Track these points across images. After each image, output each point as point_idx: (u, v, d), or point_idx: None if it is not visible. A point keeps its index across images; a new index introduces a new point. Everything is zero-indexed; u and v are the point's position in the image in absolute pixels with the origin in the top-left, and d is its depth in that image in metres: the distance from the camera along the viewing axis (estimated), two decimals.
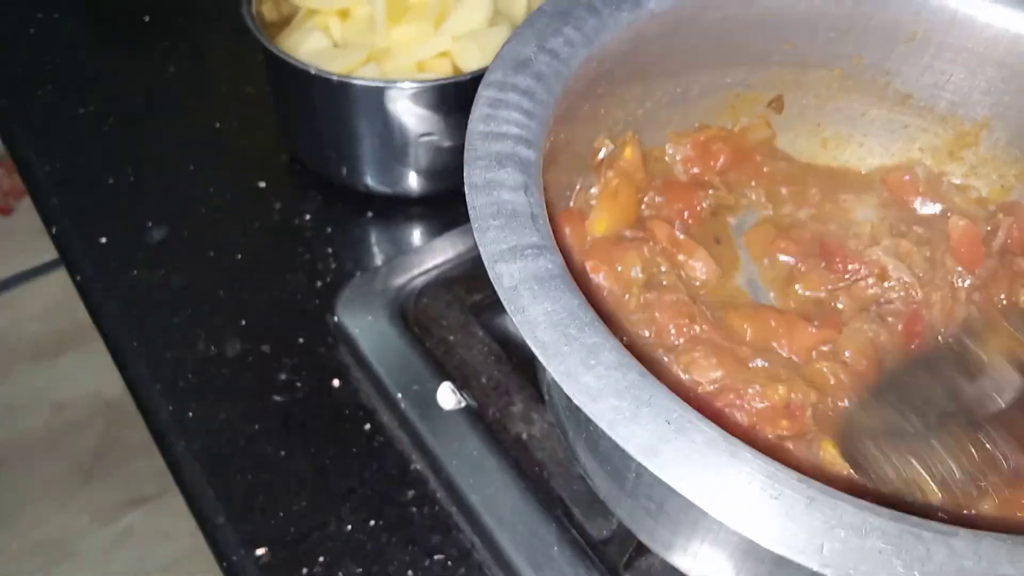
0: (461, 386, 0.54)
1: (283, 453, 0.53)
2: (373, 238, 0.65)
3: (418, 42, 0.63)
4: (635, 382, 0.28)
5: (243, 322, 0.60)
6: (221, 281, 0.63)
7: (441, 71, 0.63)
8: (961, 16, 0.49)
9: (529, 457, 0.51)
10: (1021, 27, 0.48)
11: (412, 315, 0.58)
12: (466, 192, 0.34)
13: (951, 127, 0.53)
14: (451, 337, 0.56)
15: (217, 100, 0.76)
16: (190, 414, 0.55)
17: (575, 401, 0.28)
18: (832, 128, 0.55)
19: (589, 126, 0.48)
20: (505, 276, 0.31)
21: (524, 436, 0.52)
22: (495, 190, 0.35)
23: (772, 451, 0.30)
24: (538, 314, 0.30)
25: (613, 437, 0.27)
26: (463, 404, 0.53)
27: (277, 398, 0.56)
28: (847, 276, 0.49)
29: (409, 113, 0.60)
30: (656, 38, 0.47)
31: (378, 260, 0.64)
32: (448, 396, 0.53)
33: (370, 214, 0.66)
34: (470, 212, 0.34)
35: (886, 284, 0.48)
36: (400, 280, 0.59)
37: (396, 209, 0.67)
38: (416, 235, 0.66)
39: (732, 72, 0.52)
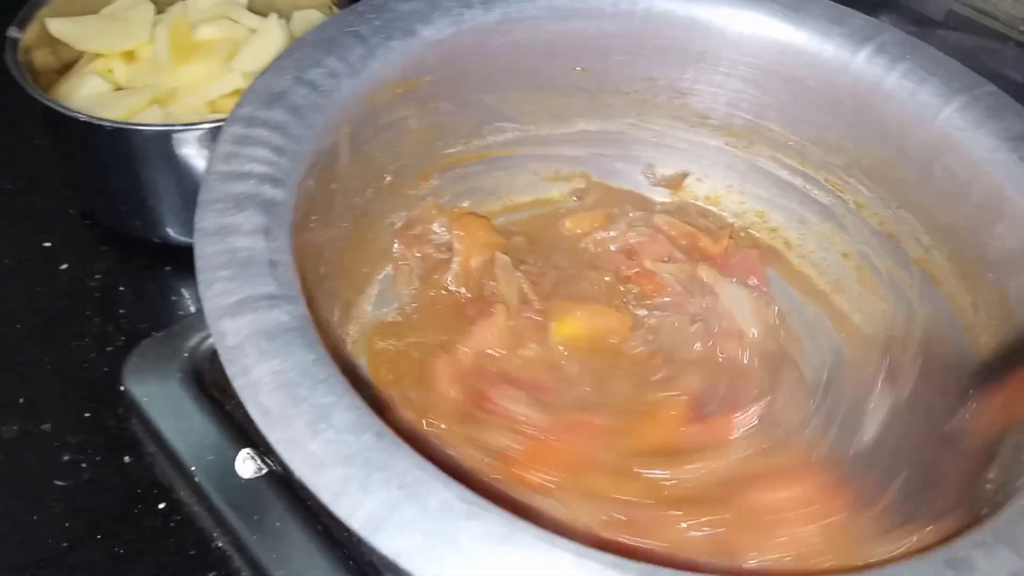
0: (264, 451, 0.49)
1: (65, 544, 0.47)
2: (172, 295, 0.60)
3: (208, 81, 0.59)
4: (369, 444, 0.25)
5: (21, 400, 0.54)
6: None
7: None
8: (746, 35, 0.49)
9: (338, 521, 0.47)
10: (804, 42, 0.49)
11: (209, 376, 0.52)
12: (194, 240, 0.30)
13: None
14: None
15: (0, 156, 0.69)
16: None
17: (296, 474, 0.24)
18: None
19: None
20: (229, 334, 0.28)
21: None
22: (229, 236, 0.31)
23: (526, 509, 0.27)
24: (263, 374, 0.26)
25: (336, 512, 0.23)
26: (264, 471, 0.48)
27: (59, 482, 0.50)
28: None
29: (201, 156, 0.55)
30: (438, 66, 0.45)
31: (177, 318, 0.58)
32: (247, 464, 0.48)
33: (168, 268, 0.61)
34: (196, 262, 0.30)
35: None
36: (195, 339, 0.53)
37: None
38: None
39: (526, 101, 0.50)
